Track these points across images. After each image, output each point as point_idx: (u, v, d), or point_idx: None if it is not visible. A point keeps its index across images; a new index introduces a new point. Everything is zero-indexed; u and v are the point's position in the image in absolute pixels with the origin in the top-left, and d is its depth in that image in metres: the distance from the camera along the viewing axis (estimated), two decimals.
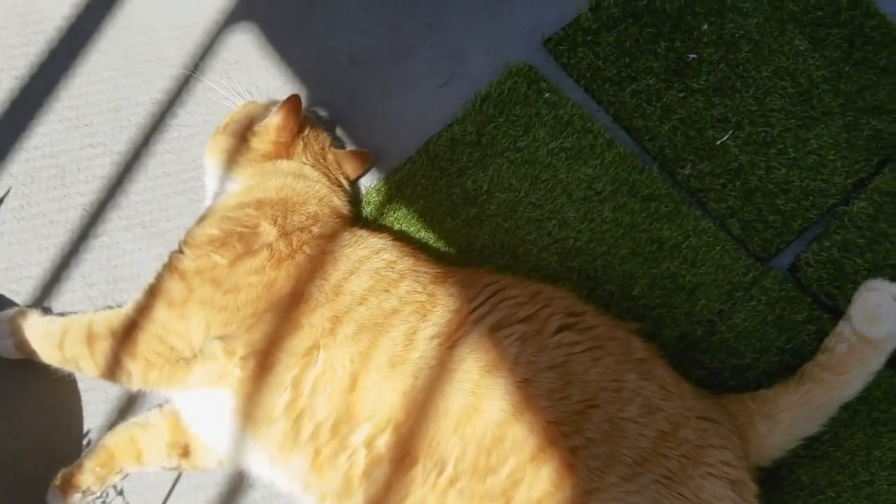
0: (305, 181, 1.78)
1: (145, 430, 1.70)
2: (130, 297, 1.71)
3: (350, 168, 1.94)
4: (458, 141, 2.05)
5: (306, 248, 1.62)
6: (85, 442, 1.76)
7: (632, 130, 2.06)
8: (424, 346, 1.53)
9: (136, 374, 1.60)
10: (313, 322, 1.55)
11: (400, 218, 1.99)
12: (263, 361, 1.54)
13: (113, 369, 1.62)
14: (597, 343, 1.59)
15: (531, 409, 1.48)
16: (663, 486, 1.46)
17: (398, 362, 1.52)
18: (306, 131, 1.88)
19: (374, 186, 2.02)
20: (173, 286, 1.60)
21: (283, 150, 1.82)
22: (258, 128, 1.83)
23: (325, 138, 1.92)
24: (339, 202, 1.82)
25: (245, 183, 1.77)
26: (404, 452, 1.49)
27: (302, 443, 1.52)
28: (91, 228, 1.95)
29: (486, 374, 1.51)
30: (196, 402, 1.63)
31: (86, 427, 1.78)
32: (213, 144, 1.86)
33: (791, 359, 1.81)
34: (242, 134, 1.83)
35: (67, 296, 1.88)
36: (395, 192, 2.01)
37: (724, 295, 1.92)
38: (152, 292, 1.62)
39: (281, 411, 1.53)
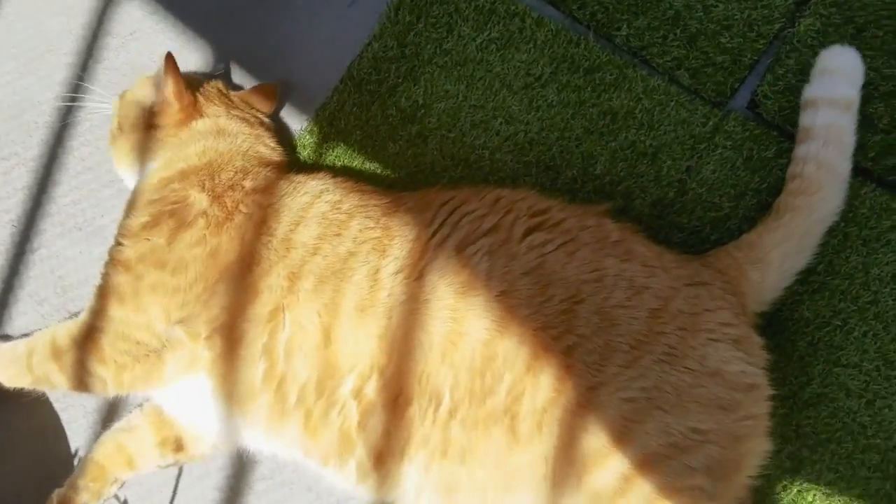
0: (226, 137, 1.68)
1: (131, 435, 1.64)
2: (84, 304, 1.62)
3: (260, 104, 1.83)
4: (380, 58, 1.93)
5: (243, 207, 1.53)
6: (75, 461, 1.70)
7: (558, 3, 1.93)
8: (390, 283, 1.46)
9: (109, 379, 1.53)
10: (270, 284, 1.47)
11: (340, 154, 1.89)
12: (229, 336, 1.47)
13: (84, 379, 1.55)
14: (568, 237, 1.52)
15: (515, 321, 1.42)
16: (666, 364, 1.41)
17: (367, 306, 1.44)
18: (197, 84, 1.76)
19: (306, 128, 1.92)
20: (120, 280, 1.52)
21: (193, 111, 1.71)
22: (157, 106, 1.71)
23: (216, 83, 1.80)
24: (266, 150, 1.72)
25: (164, 156, 1.66)
26: (396, 394, 1.43)
27: (290, 409, 1.46)
28: (26, 244, 1.85)
29: (461, 297, 1.44)
30: (174, 394, 1.57)
31: (73, 446, 1.71)
32: (118, 151, 1.74)
33: (768, 198, 1.74)
34: (144, 122, 1.71)
35: (20, 319, 1.80)
36: (329, 128, 1.90)
37: (688, 150, 1.83)
38: (102, 293, 1.54)
39: (260, 383, 1.46)
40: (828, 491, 1.63)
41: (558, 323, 1.43)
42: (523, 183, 1.82)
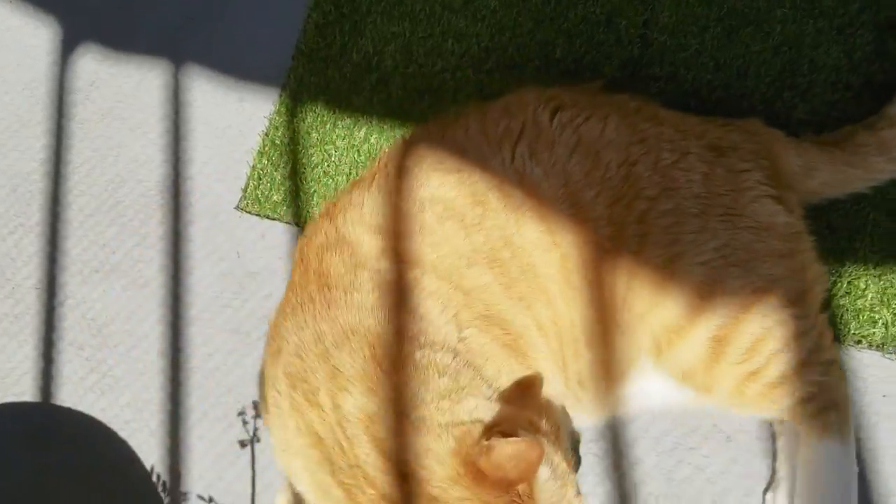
0: None
1: None
2: (120, 338, 1.68)
3: None
4: (322, 25, 1.97)
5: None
6: (154, 477, 1.74)
7: None
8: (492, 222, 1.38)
9: None
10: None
11: (311, 124, 1.92)
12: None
13: None
14: (591, 109, 1.46)
15: (587, 206, 1.38)
16: (729, 223, 1.38)
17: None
18: None
19: (274, 111, 1.96)
20: None
21: None
22: None
23: None
24: None
25: None
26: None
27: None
28: (53, 300, 1.91)
29: (540, 210, 1.38)
30: None
31: (147, 465, 1.75)
32: None
33: (731, 23, 1.72)
34: None
35: (67, 367, 1.86)
36: (294, 104, 1.94)
37: (639, 5, 1.82)
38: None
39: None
40: (876, 272, 1.58)
41: (626, 190, 1.38)
42: (490, 90, 1.83)
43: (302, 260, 1.40)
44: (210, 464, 1.73)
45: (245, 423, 1.75)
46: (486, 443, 1.11)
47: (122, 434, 1.78)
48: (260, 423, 1.74)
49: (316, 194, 1.86)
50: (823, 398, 1.40)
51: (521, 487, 1.12)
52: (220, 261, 1.87)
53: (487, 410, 1.20)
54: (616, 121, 1.45)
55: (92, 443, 1.77)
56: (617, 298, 1.38)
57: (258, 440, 1.73)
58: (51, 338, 1.89)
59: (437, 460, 1.14)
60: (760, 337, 1.35)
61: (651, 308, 1.37)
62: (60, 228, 1.97)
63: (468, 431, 1.16)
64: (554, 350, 1.38)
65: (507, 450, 1.10)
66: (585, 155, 1.40)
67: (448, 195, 1.37)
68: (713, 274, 1.35)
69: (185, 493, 1.72)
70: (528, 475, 1.12)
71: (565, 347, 1.40)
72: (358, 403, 1.21)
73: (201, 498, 1.71)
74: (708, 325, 1.34)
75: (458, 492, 1.13)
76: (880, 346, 1.55)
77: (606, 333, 1.39)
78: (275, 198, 1.88)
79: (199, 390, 1.79)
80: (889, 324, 1.56)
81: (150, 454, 1.76)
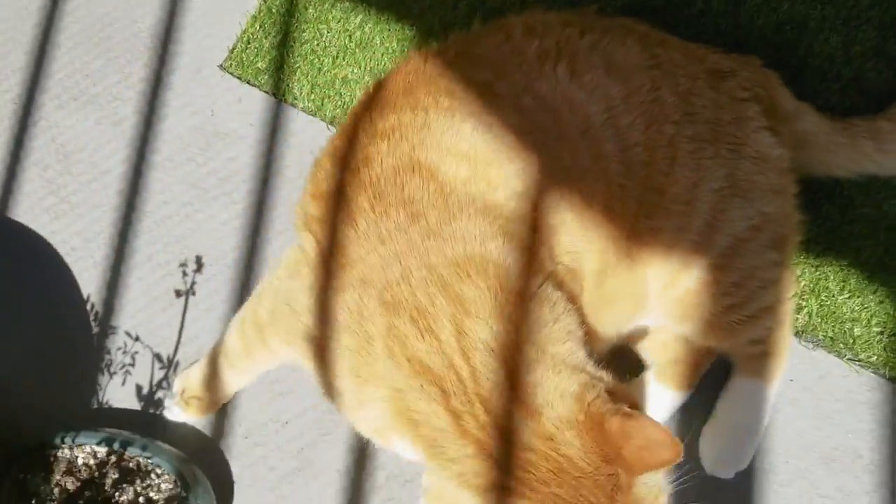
0: None
1: None
2: (84, 168, 1.71)
3: None
4: None
5: None
6: (88, 307, 1.79)
7: None
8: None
9: None
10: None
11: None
12: None
13: None
14: (609, 32, 1.42)
15: (631, 126, 1.35)
16: (735, 152, 1.38)
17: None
18: None
19: None
20: None
21: None
22: None
23: None
24: None
25: None
26: None
27: None
28: (27, 118, 1.94)
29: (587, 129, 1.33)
30: None
31: (84, 293, 1.81)
32: None
33: None
34: None
35: (27, 185, 1.89)
36: None
37: None
38: None
39: None
40: (815, 262, 1.60)
41: (656, 114, 1.35)
42: (491, 4, 1.83)
43: (360, 180, 1.24)
44: (143, 305, 1.79)
45: (185, 274, 1.80)
46: (626, 408, 1.05)
47: (67, 259, 1.83)
48: (199, 277, 1.79)
49: (299, 70, 1.87)
50: (767, 345, 1.47)
51: (622, 474, 1.03)
52: (194, 114, 1.89)
53: (592, 366, 1.15)
54: (634, 45, 1.41)
55: (36, 261, 1.82)
56: (638, 229, 1.37)
57: (193, 293, 1.78)
58: (18, 154, 1.92)
59: (562, 399, 1.08)
60: (746, 274, 1.39)
61: (672, 240, 1.37)
62: (49, 50, 1.99)
63: (590, 383, 1.09)
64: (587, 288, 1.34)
65: (647, 430, 1.01)
66: (617, 78, 1.36)
67: (511, 121, 1.28)
68: (722, 203, 1.37)
69: (113, 327, 1.78)
70: (644, 469, 1.03)
71: (591, 283, 1.35)
72: (493, 331, 1.11)
73: (128, 334, 1.77)
74: (711, 253, 1.37)
75: (569, 437, 1.05)
76: (799, 333, 1.59)
77: (623, 266, 1.38)
78: (259, 64, 1.89)
79: (148, 234, 1.83)
80: (813, 314, 1.60)
81: (89, 284, 1.81)
